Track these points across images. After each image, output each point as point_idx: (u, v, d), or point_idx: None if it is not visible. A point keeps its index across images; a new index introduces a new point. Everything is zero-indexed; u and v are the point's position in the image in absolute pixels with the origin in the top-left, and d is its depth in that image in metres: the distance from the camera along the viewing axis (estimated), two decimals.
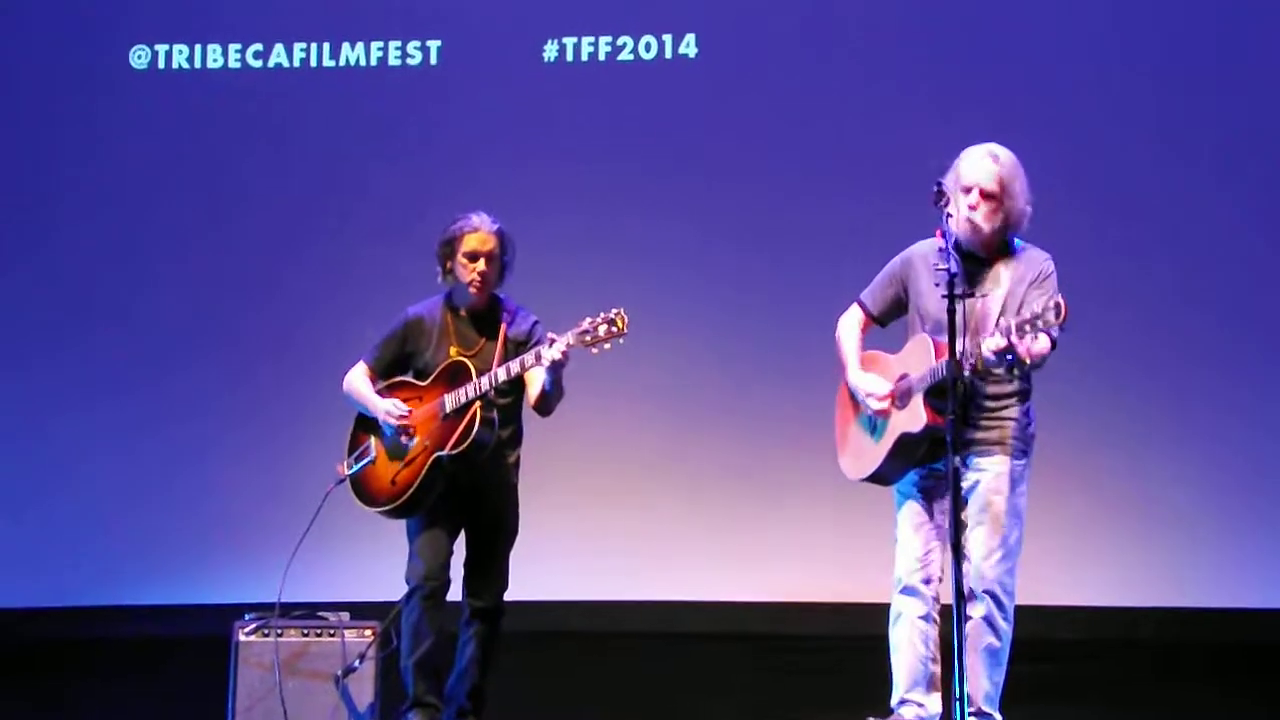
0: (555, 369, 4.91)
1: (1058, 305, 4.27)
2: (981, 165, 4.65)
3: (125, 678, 6.60)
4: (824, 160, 7.07)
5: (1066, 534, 6.77)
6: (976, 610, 4.60)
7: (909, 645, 4.72)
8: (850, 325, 4.93)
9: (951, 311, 4.37)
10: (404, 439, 5.10)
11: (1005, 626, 4.64)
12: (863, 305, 4.94)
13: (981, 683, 4.61)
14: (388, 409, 5.11)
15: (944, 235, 4.47)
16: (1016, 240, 4.76)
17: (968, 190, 4.63)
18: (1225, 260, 6.97)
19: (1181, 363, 6.91)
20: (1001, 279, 4.68)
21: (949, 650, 4.46)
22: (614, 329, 4.83)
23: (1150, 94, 7.02)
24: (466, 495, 5.12)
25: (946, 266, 4.38)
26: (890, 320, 4.94)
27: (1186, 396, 6.91)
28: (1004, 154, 4.69)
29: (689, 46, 7.22)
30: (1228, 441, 6.86)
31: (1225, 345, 6.92)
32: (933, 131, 6.83)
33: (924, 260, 4.79)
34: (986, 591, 4.61)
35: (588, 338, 4.84)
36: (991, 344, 4.41)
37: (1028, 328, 4.33)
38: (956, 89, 7.04)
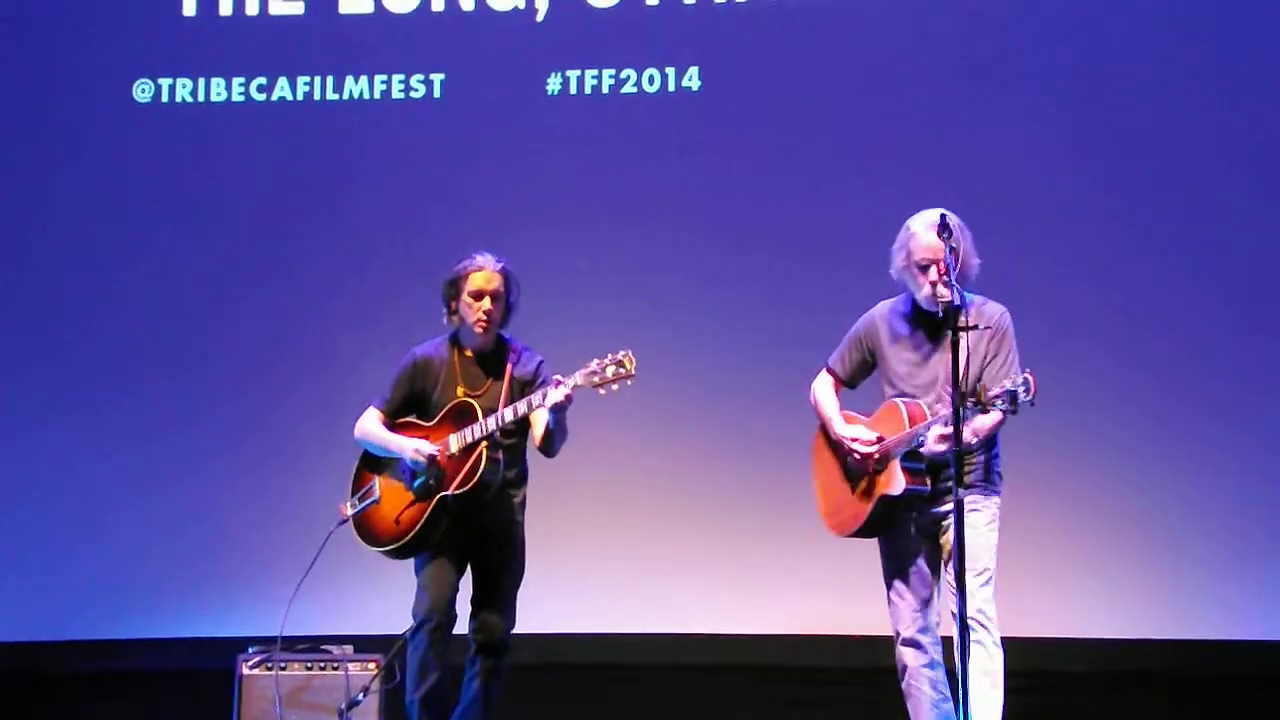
0: (558, 410, 4.92)
1: (1027, 381, 4.39)
2: (931, 240, 4.75)
3: (125, 712, 6.58)
4: (829, 192, 7.07)
5: (1072, 565, 6.75)
6: (969, 636, 4.63)
7: (921, 694, 4.85)
8: (825, 388, 5.08)
9: (955, 342, 4.46)
10: (412, 478, 5.09)
11: (996, 650, 4.71)
12: (831, 370, 5.10)
13: (986, 707, 4.65)
14: (416, 447, 5.10)
15: (948, 268, 4.58)
16: (968, 294, 4.84)
17: (926, 266, 4.78)
18: (1230, 280, 6.94)
19: (1191, 391, 6.86)
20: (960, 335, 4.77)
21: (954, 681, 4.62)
22: (622, 370, 4.84)
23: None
24: (473, 534, 5.12)
25: (950, 299, 4.53)
26: (859, 382, 5.10)
27: (1195, 426, 6.87)
28: (949, 222, 4.75)
29: (692, 79, 7.24)
30: (1238, 472, 6.83)
31: (1233, 370, 6.88)
32: (938, 163, 6.87)
33: (885, 322, 4.99)
34: (973, 617, 4.63)
35: (595, 379, 4.85)
36: (938, 431, 4.63)
37: (998, 402, 4.43)
38: (960, 120, 7.04)
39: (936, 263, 4.74)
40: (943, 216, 4.64)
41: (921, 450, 4.69)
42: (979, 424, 4.66)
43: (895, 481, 4.74)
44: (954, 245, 4.62)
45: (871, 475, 4.84)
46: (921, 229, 4.79)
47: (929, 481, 4.74)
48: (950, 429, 4.51)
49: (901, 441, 4.74)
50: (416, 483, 5.09)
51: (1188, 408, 6.85)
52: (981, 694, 4.60)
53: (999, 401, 4.45)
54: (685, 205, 7.15)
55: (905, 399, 4.82)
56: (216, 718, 5.42)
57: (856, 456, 4.86)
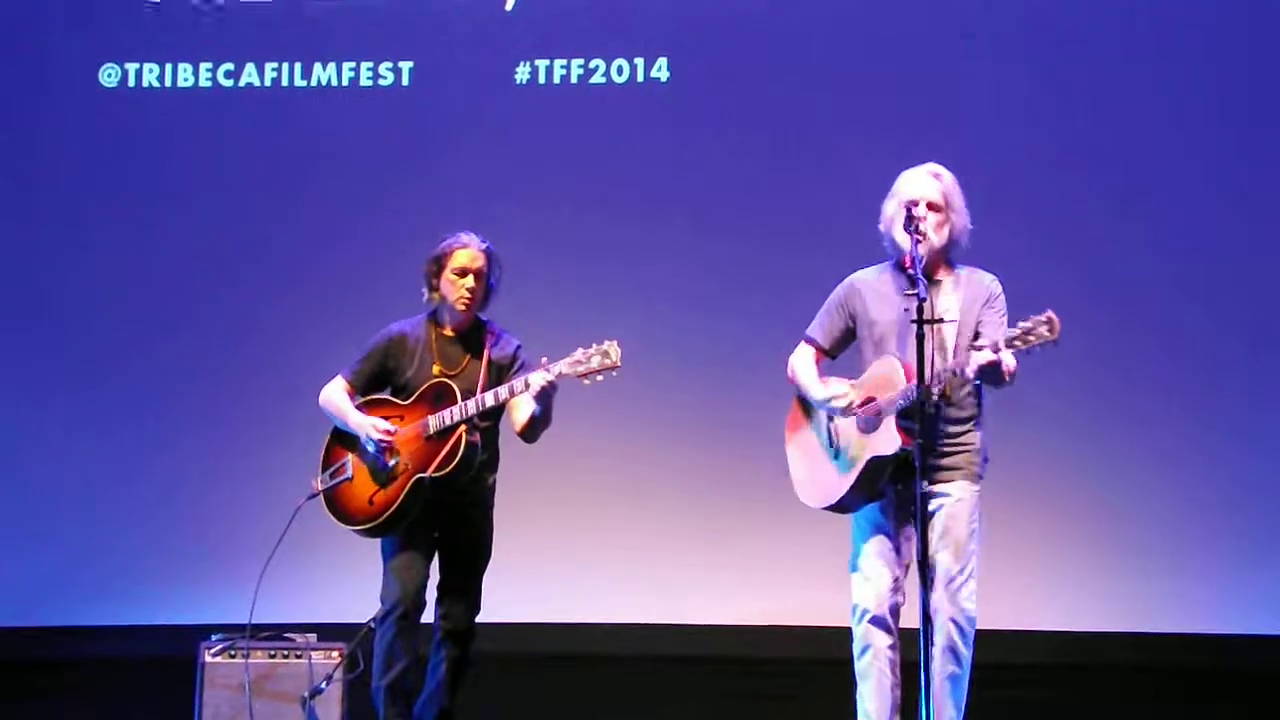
0: (545, 397, 4.92)
1: (1050, 320, 4.34)
2: (925, 180, 4.76)
3: (88, 700, 6.56)
4: (796, 183, 7.09)
5: (1035, 558, 6.79)
6: (939, 638, 4.59)
7: (882, 676, 4.71)
8: (805, 361, 4.94)
9: (920, 337, 4.41)
10: (386, 458, 5.08)
11: (966, 653, 4.65)
12: (812, 341, 4.96)
13: (947, 711, 4.61)
14: (373, 423, 5.10)
15: (914, 261, 4.52)
16: (957, 264, 4.82)
17: (914, 204, 4.66)
18: (1212, 286, 6.99)
19: (1156, 389, 6.92)
20: (952, 302, 4.72)
21: (908, 674, 4.59)
22: (607, 360, 4.86)
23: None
24: (444, 517, 5.11)
25: (916, 291, 4.43)
26: (840, 352, 4.96)
27: (1157, 420, 6.92)
28: (945, 172, 4.80)
29: (661, 70, 7.24)
30: (1198, 467, 6.88)
31: (1195, 369, 6.94)
32: (906, 154, 6.87)
33: (867, 286, 4.87)
34: (951, 620, 4.61)
35: (580, 368, 4.86)
36: (981, 358, 4.45)
37: (1018, 343, 4.38)
38: (930, 112, 7.06)
39: (924, 200, 4.67)
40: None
41: (969, 372, 4.49)
42: (1008, 362, 4.48)
43: (889, 440, 4.57)
44: (919, 235, 4.57)
45: (860, 437, 4.67)
46: (914, 172, 4.79)
47: (920, 444, 4.41)
48: (993, 358, 4.40)
49: (900, 397, 4.57)
50: (392, 463, 5.08)
51: (1153, 405, 6.90)
52: (943, 698, 4.56)
53: (972, 381, 4.46)
54: (653, 196, 7.16)
55: (903, 357, 4.64)
56: (179, 705, 5.40)
57: (836, 412, 4.70)
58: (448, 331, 5.20)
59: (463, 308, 5.14)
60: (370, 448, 5.10)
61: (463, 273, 5.13)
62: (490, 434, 5.17)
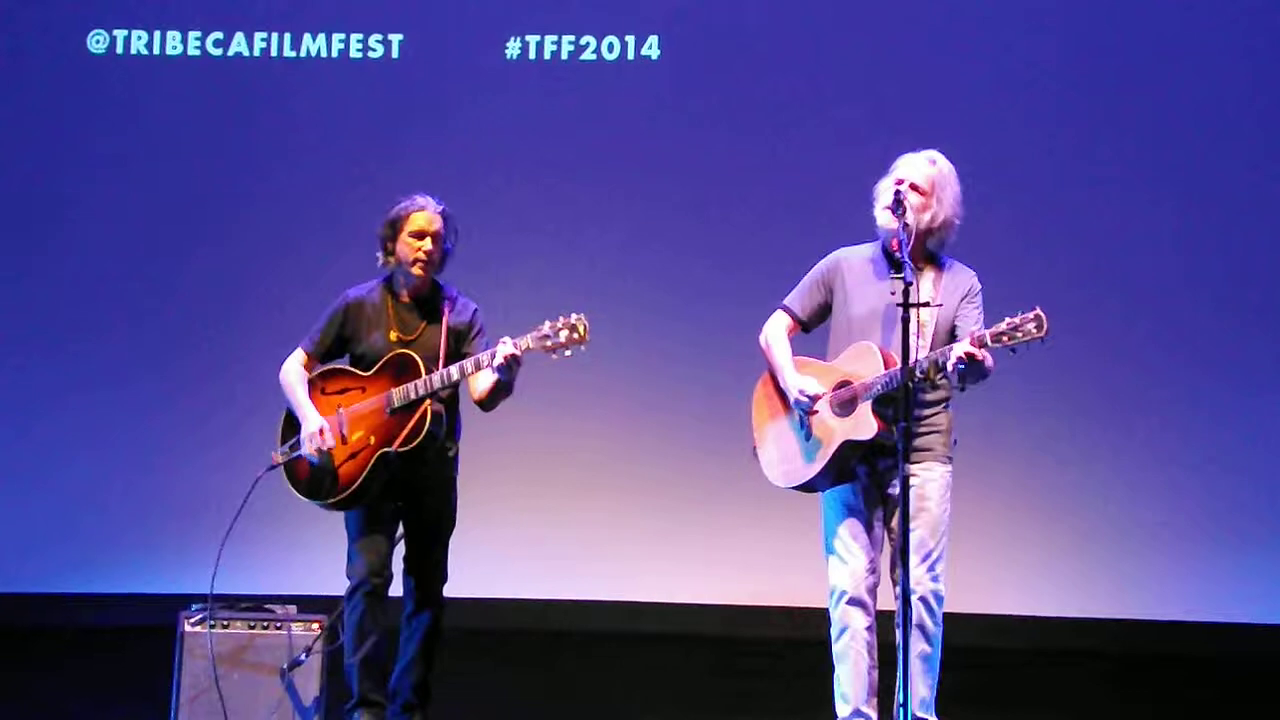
0: (508, 370, 4.87)
1: (1038, 317, 4.31)
2: (918, 164, 4.74)
3: (69, 668, 6.55)
4: (786, 163, 7.09)
5: (1016, 544, 6.81)
6: (911, 614, 4.55)
7: (860, 658, 4.70)
8: (780, 332, 4.88)
9: (905, 320, 4.39)
10: (347, 433, 5.03)
11: (936, 631, 4.66)
12: (790, 312, 4.91)
13: (918, 689, 4.60)
14: (311, 434, 5.02)
15: (901, 245, 4.51)
16: (942, 256, 4.80)
17: (899, 183, 4.67)
18: (1169, 272, 7.03)
19: (1133, 376, 6.97)
20: (933, 291, 4.70)
21: (884, 656, 4.60)
22: (574, 335, 4.79)
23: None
24: (407, 490, 5.08)
25: (902, 275, 4.40)
26: (816, 326, 4.91)
27: (1137, 410, 6.97)
28: (942, 161, 4.77)
29: (651, 48, 7.23)
30: (1179, 456, 6.93)
31: (1174, 360, 6.98)
32: (897, 136, 6.85)
33: (850, 266, 4.83)
34: (921, 599, 4.61)
35: (548, 342, 4.80)
36: (960, 349, 4.43)
37: (1004, 339, 4.37)
38: (921, 93, 7.07)
39: (909, 181, 4.65)
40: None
41: (949, 364, 4.41)
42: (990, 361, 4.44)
43: (865, 425, 4.55)
44: (907, 222, 4.56)
45: (833, 420, 4.63)
46: (913, 155, 4.75)
47: (904, 425, 4.37)
48: (974, 351, 4.37)
49: (879, 383, 4.55)
50: (355, 436, 5.04)
51: (1129, 393, 6.94)
52: (915, 676, 4.54)
53: (953, 378, 4.46)
54: (641, 174, 7.16)
55: (878, 344, 4.63)
56: (160, 675, 5.39)
57: (799, 409, 4.67)
58: (404, 297, 5.14)
59: (420, 270, 5.08)
60: (303, 449, 5.05)
61: (420, 235, 5.07)
62: (451, 403, 5.12)
